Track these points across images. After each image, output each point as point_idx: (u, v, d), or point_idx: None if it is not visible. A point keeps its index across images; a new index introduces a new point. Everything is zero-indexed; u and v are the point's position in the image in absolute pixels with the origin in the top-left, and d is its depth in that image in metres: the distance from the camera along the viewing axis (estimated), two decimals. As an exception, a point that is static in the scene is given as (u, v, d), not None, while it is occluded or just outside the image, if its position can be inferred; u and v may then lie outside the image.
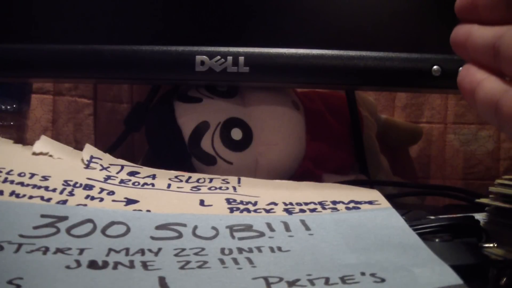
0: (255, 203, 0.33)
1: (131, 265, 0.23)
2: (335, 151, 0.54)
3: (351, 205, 0.33)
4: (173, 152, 0.48)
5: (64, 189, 0.32)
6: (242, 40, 0.44)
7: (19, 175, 0.33)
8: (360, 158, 0.55)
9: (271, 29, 0.45)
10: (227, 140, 0.46)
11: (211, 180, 0.38)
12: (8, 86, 0.58)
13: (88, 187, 0.33)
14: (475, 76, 0.25)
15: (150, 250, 0.25)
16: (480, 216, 0.34)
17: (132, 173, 0.37)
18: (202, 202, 0.33)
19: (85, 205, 0.30)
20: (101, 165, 0.37)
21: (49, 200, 0.30)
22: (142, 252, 0.25)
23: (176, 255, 0.25)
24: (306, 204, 0.33)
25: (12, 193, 0.30)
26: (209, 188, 0.36)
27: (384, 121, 0.68)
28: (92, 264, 0.23)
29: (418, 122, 0.80)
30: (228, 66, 0.43)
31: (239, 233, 0.28)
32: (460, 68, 0.26)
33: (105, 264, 0.23)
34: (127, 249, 0.25)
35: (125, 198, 0.32)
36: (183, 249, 0.25)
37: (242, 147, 0.46)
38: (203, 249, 0.26)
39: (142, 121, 0.52)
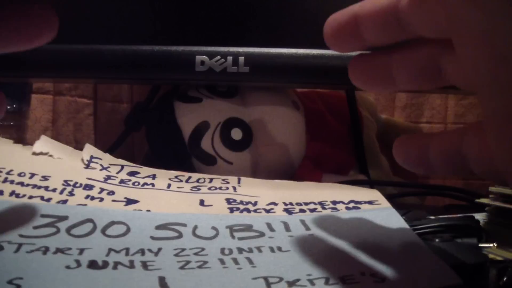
0: (255, 203, 0.33)
1: (131, 265, 0.23)
2: (335, 151, 0.54)
3: (351, 205, 0.33)
4: (173, 152, 0.48)
5: (64, 189, 0.32)
6: (242, 40, 0.44)
7: (19, 175, 0.33)
8: (360, 158, 0.55)
9: (271, 29, 0.45)
10: (227, 140, 0.46)
11: (211, 180, 0.38)
12: (8, 86, 0.58)
13: (88, 187, 0.33)
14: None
15: (150, 250, 0.25)
16: (480, 216, 0.34)
17: (132, 173, 0.37)
18: (202, 202, 0.33)
19: (85, 205, 0.30)
20: (101, 165, 0.37)
21: (49, 200, 0.30)
22: (142, 252, 0.25)
23: (176, 255, 0.25)
24: (306, 204, 0.33)
25: (12, 193, 0.30)
26: (209, 188, 0.36)
27: (384, 121, 0.68)
28: (92, 264, 0.23)
29: (418, 122, 0.80)
30: (228, 66, 0.43)
31: (239, 233, 0.28)
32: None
33: (105, 264, 0.23)
34: (127, 249, 0.25)
35: (125, 198, 0.32)
36: (183, 249, 0.25)
37: (242, 147, 0.46)
38: (203, 249, 0.26)
39: (142, 121, 0.52)
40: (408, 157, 0.23)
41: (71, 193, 0.31)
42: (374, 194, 0.35)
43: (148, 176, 0.37)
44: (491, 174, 0.20)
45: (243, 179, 0.39)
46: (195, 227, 0.28)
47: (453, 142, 0.21)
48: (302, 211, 0.32)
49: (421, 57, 0.21)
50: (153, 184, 0.36)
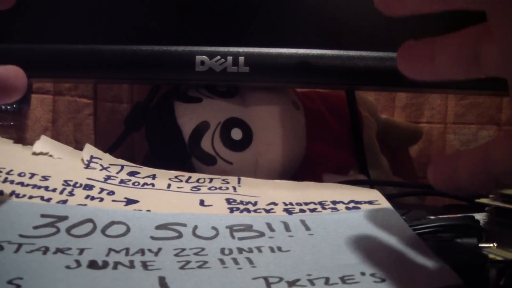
0: (255, 203, 0.33)
1: (131, 265, 0.23)
2: (335, 151, 0.54)
3: (351, 205, 0.33)
4: (173, 152, 0.48)
5: (64, 189, 0.32)
6: (242, 40, 0.44)
7: (19, 175, 0.33)
8: (360, 158, 0.55)
9: (271, 29, 0.45)
10: (227, 140, 0.46)
11: (211, 180, 0.38)
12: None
13: (88, 187, 0.33)
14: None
15: (150, 250, 0.25)
16: (480, 216, 0.34)
17: (132, 173, 0.37)
18: (202, 202, 0.33)
19: (85, 205, 0.30)
20: (101, 165, 0.37)
21: (49, 200, 0.30)
22: (142, 252, 0.25)
23: (176, 255, 0.25)
24: (306, 204, 0.33)
25: (12, 193, 0.30)
26: (209, 188, 0.36)
27: (384, 121, 0.68)
28: (92, 264, 0.23)
29: (418, 122, 0.80)
30: (228, 66, 0.43)
31: (239, 233, 0.28)
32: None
33: (105, 264, 0.23)
34: (127, 249, 0.25)
35: (125, 198, 0.32)
36: (183, 249, 0.25)
37: (242, 147, 0.46)
38: (203, 249, 0.26)
39: (142, 121, 0.52)
40: (439, 178, 0.23)
41: (71, 193, 0.31)
42: (374, 194, 0.35)
43: (148, 176, 0.37)
44: (505, 68, 0.20)
45: (243, 179, 0.39)
46: (195, 227, 0.28)
47: (480, 156, 0.21)
48: (302, 211, 0.32)
49: (462, 46, 0.22)
50: (153, 184, 0.36)
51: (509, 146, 0.20)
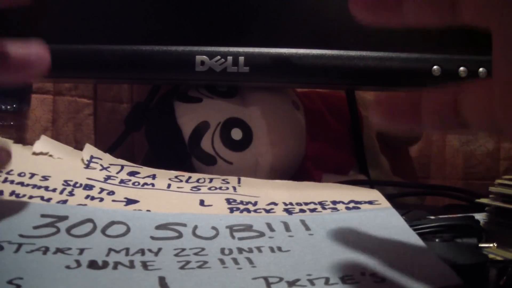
0: (255, 203, 0.33)
1: (131, 265, 0.23)
2: (335, 151, 0.54)
3: (351, 205, 0.33)
4: (173, 152, 0.48)
5: (64, 189, 0.32)
6: (242, 40, 0.44)
7: (19, 175, 0.33)
8: (360, 158, 0.55)
9: (271, 29, 0.45)
10: (227, 140, 0.46)
11: (211, 180, 0.38)
12: (8, 86, 0.58)
13: (88, 187, 0.33)
14: None
15: (150, 250, 0.25)
16: (480, 216, 0.34)
17: (132, 173, 0.37)
18: (202, 202, 0.33)
19: (85, 205, 0.30)
20: (101, 165, 0.37)
21: (49, 200, 0.30)
22: (142, 252, 0.25)
23: (176, 255, 0.25)
24: (306, 204, 0.33)
25: (12, 193, 0.30)
26: (209, 188, 0.36)
27: (384, 121, 0.68)
28: (92, 264, 0.23)
29: (418, 122, 0.80)
30: (228, 66, 0.43)
31: (239, 233, 0.28)
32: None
33: (105, 264, 0.23)
34: (127, 249, 0.25)
35: (125, 198, 0.32)
36: (183, 249, 0.25)
37: (242, 147, 0.46)
38: (203, 249, 0.26)
39: (142, 121, 0.52)
40: (394, 113, 0.22)
41: (71, 193, 0.31)
42: (374, 194, 0.35)
43: (148, 176, 0.37)
44: (487, 125, 0.19)
45: (243, 179, 0.39)
46: (195, 227, 0.28)
47: (448, 96, 0.20)
48: (302, 211, 0.32)
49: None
50: (153, 184, 0.36)
51: (480, 94, 0.19)
